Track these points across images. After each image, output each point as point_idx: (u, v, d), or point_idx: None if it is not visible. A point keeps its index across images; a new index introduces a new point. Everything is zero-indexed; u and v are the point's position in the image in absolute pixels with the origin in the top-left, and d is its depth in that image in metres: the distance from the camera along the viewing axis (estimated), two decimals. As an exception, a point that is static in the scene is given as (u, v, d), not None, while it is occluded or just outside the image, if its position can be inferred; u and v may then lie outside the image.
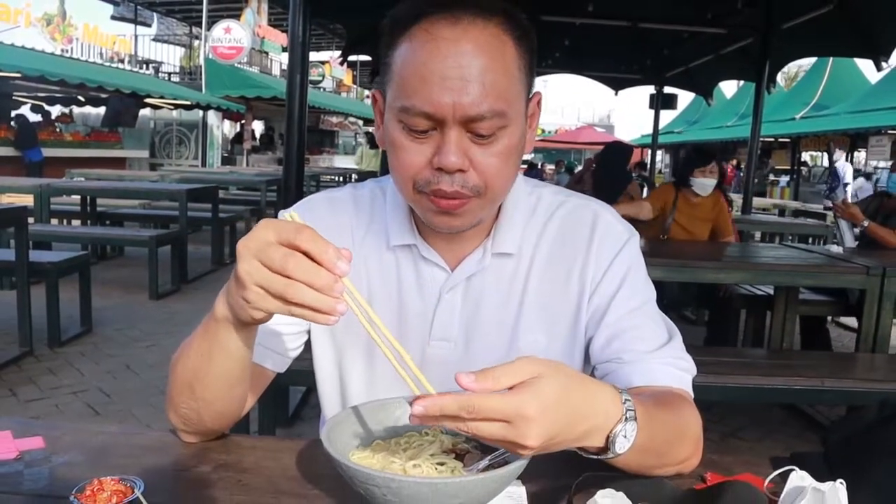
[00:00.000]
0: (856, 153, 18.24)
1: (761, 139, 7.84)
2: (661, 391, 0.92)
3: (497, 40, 0.85)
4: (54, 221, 7.17)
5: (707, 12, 6.90)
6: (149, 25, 21.67)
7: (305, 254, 0.68)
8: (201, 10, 18.26)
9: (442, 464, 0.79)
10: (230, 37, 16.96)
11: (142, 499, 0.73)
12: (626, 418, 0.74)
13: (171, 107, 16.85)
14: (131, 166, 15.61)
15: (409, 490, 0.68)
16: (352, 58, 18.32)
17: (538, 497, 0.85)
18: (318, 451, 0.97)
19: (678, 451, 0.89)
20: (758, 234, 8.03)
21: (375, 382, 1.04)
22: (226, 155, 19.17)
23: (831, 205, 4.53)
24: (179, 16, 22.02)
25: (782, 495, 0.83)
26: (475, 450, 0.83)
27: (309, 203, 1.08)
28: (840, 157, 5.23)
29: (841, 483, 0.80)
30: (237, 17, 17.71)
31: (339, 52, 11.67)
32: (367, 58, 10.30)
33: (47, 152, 12.73)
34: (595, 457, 0.78)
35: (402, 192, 0.94)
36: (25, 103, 14.90)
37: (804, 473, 0.85)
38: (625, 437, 0.75)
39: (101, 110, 15.89)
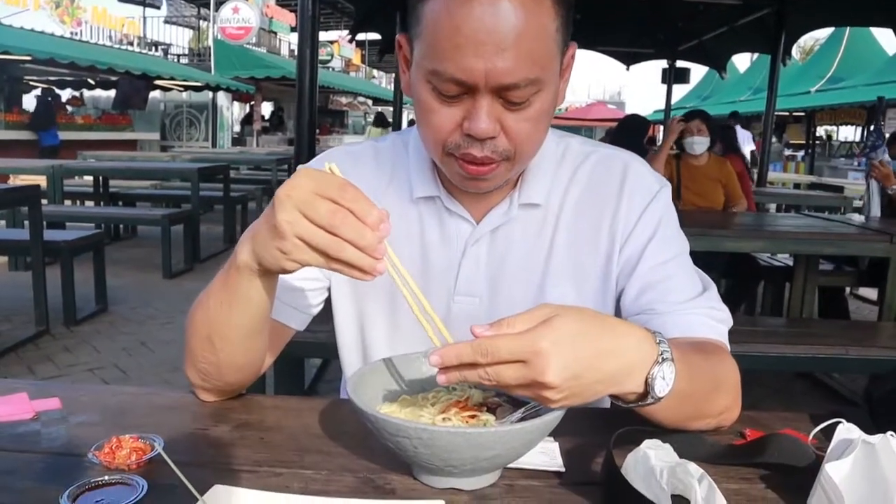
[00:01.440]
0: (870, 127, 17.98)
1: (776, 113, 7.70)
2: (696, 340, 0.89)
3: (533, 1, 0.78)
4: (67, 203, 7.18)
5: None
6: (157, 7, 21.57)
7: (349, 211, 0.66)
8: (209, -9, 18.16)
9: (473, 416, 0.75)
10: (238, 17, 16.88)
11: (164, 454, 0.70)
12: (663, 359, 0.71)
13: (181, 88, 16.83)
14: (142, 148, 15.62)
15: (442, 441, 0.65)
16: (360, 37, 18.23)
17: (572, 454, 0.82)
18: (340, 410, 0.94)
19: (717, 401, 0.86)
20: (773, 207, 7.93)
21: (398, 340, 1.01)
22: (236, 136, 19.17)
23: (868, 162, 4.41)
24: (187, -3, 21.95)
25: (829, 448, 0.79)
26: (507, 404, 0.80)
27: (328, 157, 1.04)
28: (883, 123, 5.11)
29: (892, 435, 0.76)
30: (245, -4, 17.60)
31: (347, 32, 11.56)
32: (376, 36, 10.17)
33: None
34: (633, 405, 0.75)
35: (431, 153, 0.90)
36: (36, 87, 14.90)
37: (851, 426, 0.81)
38: (663, 378, 0.72)
39: (112, 93, 15.88)
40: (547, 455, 0.81)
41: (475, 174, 0.86)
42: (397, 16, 7.46)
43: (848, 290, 5.16)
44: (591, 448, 0.84)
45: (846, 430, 0.81)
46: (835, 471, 0.73)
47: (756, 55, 21.94)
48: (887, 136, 5.28)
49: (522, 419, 0.74)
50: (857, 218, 4.03)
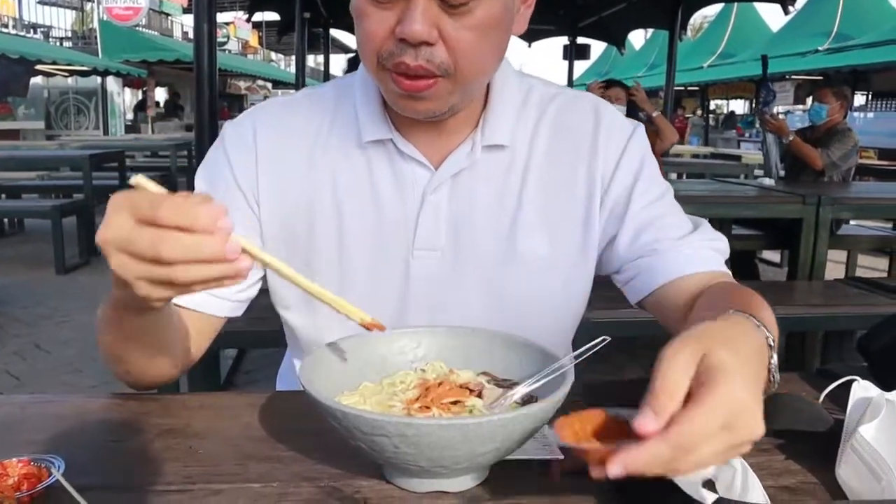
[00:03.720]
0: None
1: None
2: (721, 287, 0.82)
3: None
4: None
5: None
6: (33, -14, 20.11)
7: (175, 228, 0.52)
8: (91, -31, 17.03)
9: (455, 402, 0.62)
10: (126, -4, 15.92)
11: (63, 480, 0.53)
12: (771, 343, 0.61)
13: (66, 74, 15.75)
14: (25, 138, 14.50)
15: (432, 436, 0.52)
16: (258, 17, 17.57)
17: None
18: (284, 405, 0.79)
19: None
20: (674, 176, 8.14)
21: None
22: (129, 124, 18.13)
23: (762, 117, 4.53)
24: (67, -24, 20.55)
25: (849, 408, 0.71)
26: (491, 384, 0.68)
27: (257, 112, 0.91)
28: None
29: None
30: (132, -25, 16.63)
31: (243, 13, 11.07)
32: (274, 17, 9.76)
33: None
34: None
35: (369, 70, 0.79)
36: None
37: (867, 384, 0.74)
38: (774, 361, 0.63)
39: (-13, 80, 14.68)
40: (538, 441, 0.69)
41: (409, 90, 0.75)
42: (296, -7, 7.17)
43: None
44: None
45: (863, 389, 0.74)
46: (868, 433, 0.65)
47: (651, 33, 22.61)
48: (776, 91, 5.46)
49: (524, 401, 0.62)
50: (768, 181, 4.12)
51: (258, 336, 2.31)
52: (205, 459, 0.66)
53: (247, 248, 0.55)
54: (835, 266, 4.86)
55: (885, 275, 4.88)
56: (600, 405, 0.54)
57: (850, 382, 0.76)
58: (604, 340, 0.66)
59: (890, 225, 5.99)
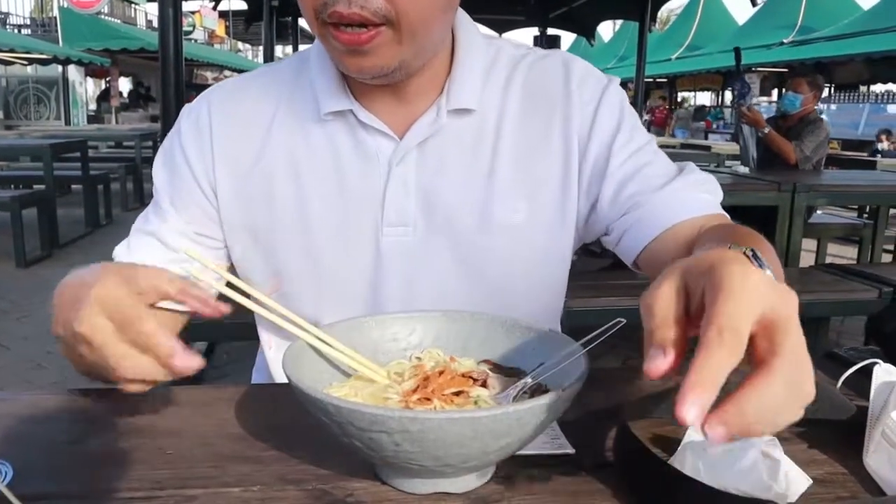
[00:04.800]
0: (726, 92, 19.04)
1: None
2: (717, 227, 0.74)
3: None
4: None
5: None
6: (-11, -28, 19.50)
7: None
8: (50, -46, 16.52)
9: (458, 394, 0.56)
10: (86, -17, 15.51)
11: (6, 492, 0.46)
12: (761, 264, 0.57)
13: (25, 62, 15.29)
14: (-17, 129, 14.10)
15: (438, 432, 0.46)
16: (224, 6, 17.26)
17: (574, 431, 0.65)
18: (263, 399, 0.72)
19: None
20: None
21: (324, 296, 0.83)
22: (92, 114, 17.71)
23: (739, 109, 4.54)
24: (25, -39, 19.98)
25: (873, 394, 0.66)
26: (494, 372, 0.61)
27: (212, 94, 0.86)
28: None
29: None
30: (92, -40, 16.20)
31: (209, 2, 10.87)
32: (241, 5, 9.55)
33: None
34: None
35: (312, 31, 0.72)
36: None
37: (890, 367, 0.69)
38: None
39: (-59, 68, 14.21)
40: (547, 435, 0.63)
41: (349, 43, 0.68)
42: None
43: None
44: (594, 421, 0.67)
45: (885, 373, 0.69)
46: (898, 419, 0.61)
47: (619, 25, 22.68)
48: (752, 84, 5.48)
49: (531, 392, 0.56)
50: (742, 169, 4.13)
51: (229, 328, 2.23)
52: (175, 461, 0.59)
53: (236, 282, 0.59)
54: (805, 255, 4.89)
55: (854, 262, 4.94)
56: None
57: (867, 367, 0.71)
58: (618, 323, 0.60)
59: (855, 213, 6.06)
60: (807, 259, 4.79)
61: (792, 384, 0.38)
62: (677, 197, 0.79)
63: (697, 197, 0.80)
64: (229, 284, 0.63)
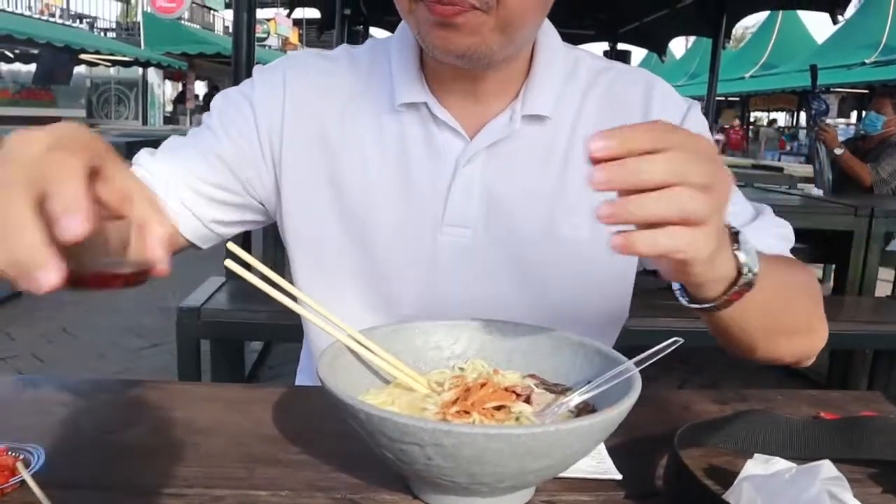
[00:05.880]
0: (801, 112, 18.46)
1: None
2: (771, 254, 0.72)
3: None
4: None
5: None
6: (82, -23, 20.39)
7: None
8: (137, -39, 17.20)
9: (499, 408, 0.53)
10: (169, -11, 16.09)
11: (29, 480, 0.45)
12: (744, 239, 0.56)
13: (109, 64, 15.97)
14: (66, 126, 14.71)
15: (474, 448, 0.43)
16: (298, 14, 17.63)
17: (621, 455, 0.61)
18: (302, 402, 0.70)
19: (806, 307, 0.72)
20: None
21: (376, 290, 0.81)
22: (168, 115, 18.34)
23: (815, 128, 4.36)
24: (114, -32, 20.83)
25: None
26: (541, 388, 0.58)
27: (292, 60, 0.84)
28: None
29: None
30: (176, -32, 16.78)
31: (284, 10, 11.10)
32: (315, 13, 9.76)
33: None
34: (707, 306, 0.58)
35: (400, 9, 0.71)
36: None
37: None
38: (748, 253, 0.56)
39: (32, 67, 14.92)
40: (594, 459, 0.59)
41: (441, 15, 0.66)
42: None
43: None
44: (644, 446, 0.63)
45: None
46: None
47: (692, 41, 22.26)
48: (829, 104, 5.28)
49: (579, 410, 0.52)
50: (816, 191, 3.96)
51: (283, 329, 2.24)
52: (206, 459, 0.58)
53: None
54: (882, 284, 4.67)
55: (935, 295, 4.68)
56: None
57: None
58: (676, 342, 0.56)
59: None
60: (883, 289, 4.57)
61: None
62: (763, 240, 0.75)
63: (768, 241, 0.76)
64: (267, 279, 0.61)
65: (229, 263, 0.57)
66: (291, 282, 0.74)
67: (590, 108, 0.81)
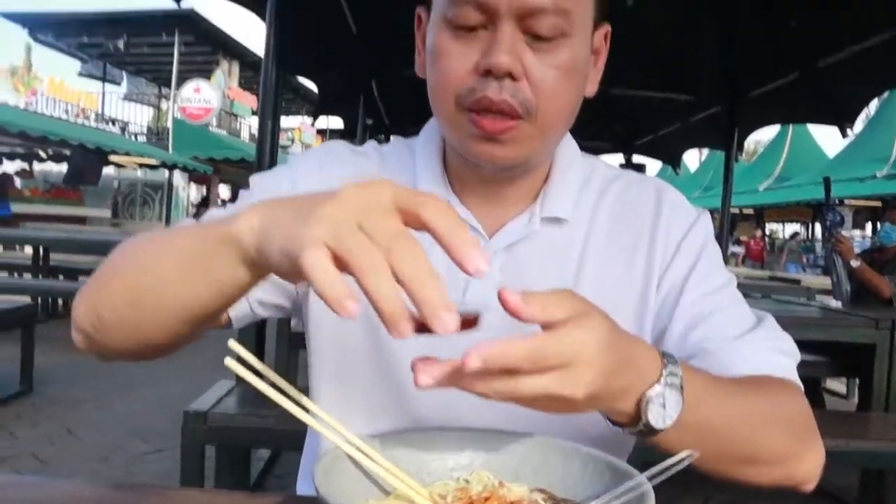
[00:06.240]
0: (816, 224, 18.58)
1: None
2: (750, 375, 0.71)
3: None
4: (3, 274, 6.72)
5: (676, 79, 6.86)
6: (118, 83, 21.43)
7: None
8: (171, 70, 18.07)
9: (505, 524, 0.50)
10: (200, 97, 16.85)
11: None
12: (668, 383, 0.55)
13: (136, 166, 16.55)
14: (92, 225, 15.11)
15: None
16: (322, 124, 18.34)
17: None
18: (300, 512, 0.67)
19: (770, 441, 0.67)
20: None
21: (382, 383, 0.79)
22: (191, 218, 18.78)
23: (831, 238, 4.35)
24: (149, 75, 21.85)
25: None
26: (547, 502, 0.55)
27: (326, 149, 0.87)
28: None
29: None
30: (208, 77, 17.64)
31: (308, 118, 11.57)
32: (338, 123, 10.15)
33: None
34: (628, 430, 0.57)
35: (442, 118, 0.75)
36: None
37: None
38: (662, 406, 0.55)
39: (64, 167, 15.49)
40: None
41: (490, 131, 0.70)
42: (360, 99, 7.42)
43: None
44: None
45: None
46: None
47: (706, 155, 22.76)
48: (844, 215, 5.31)
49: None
50: (835, 303, 3.92)
51: (292, 435, 2.18)
52: (195, 572, 0.55)
53: None
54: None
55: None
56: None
57: None
58: (690, 456, 0.54)
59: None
60: (910, 404, 4.44)
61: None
62: (745, 353, 0.74)
63: (766, 356, 0.74)
64: (265, 377, 0.59)
65: (230, 363, 0.55)
66: (307, 375, 0.73)
67: (603, 214, 0.83)
